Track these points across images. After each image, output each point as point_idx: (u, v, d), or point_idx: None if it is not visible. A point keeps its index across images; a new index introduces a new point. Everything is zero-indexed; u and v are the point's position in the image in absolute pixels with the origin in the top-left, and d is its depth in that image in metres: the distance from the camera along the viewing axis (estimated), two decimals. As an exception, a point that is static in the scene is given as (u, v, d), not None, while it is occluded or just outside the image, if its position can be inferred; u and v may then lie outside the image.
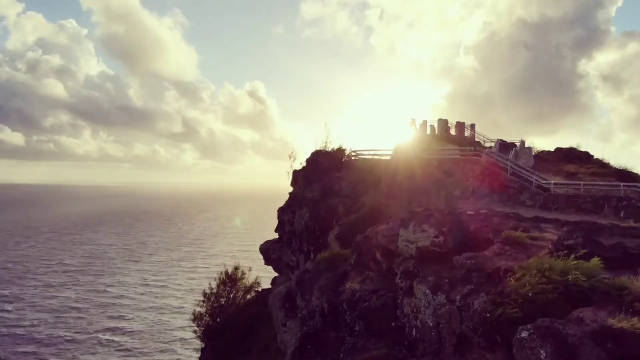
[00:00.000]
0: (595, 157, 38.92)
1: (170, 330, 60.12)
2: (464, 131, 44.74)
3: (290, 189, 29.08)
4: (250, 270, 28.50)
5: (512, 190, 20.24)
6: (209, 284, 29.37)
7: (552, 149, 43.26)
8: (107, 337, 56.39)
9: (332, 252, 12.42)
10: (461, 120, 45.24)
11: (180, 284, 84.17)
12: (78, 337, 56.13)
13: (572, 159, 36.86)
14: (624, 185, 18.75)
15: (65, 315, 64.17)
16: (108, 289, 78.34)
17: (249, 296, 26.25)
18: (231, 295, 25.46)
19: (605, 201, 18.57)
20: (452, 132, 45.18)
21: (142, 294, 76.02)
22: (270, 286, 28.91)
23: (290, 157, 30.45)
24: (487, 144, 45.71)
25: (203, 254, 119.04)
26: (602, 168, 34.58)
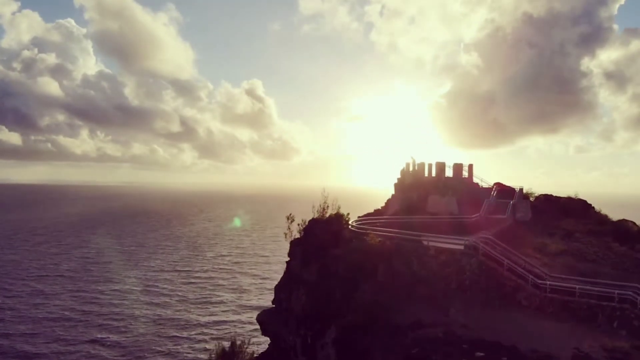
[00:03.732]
0: (593, 207, 39.15)
1: (162, 339, 58.82)
2: (461, 173, 44.86)
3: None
4: (249, 341, 28.59)
5: (509, 289, 20.36)
6: (210, 355, 29.48)
7: (552, 193, 43.50)
8: (96, 348, 55.53)
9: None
10: (458, 162, 45.37)
11: (173, 290, 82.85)
12: (66, 348, 55.23)
13: (570, 211, 37.02)
14: (618, 293, 18.84)
15: (54, 324, 63.31)
16: (101, 296, 77.50)
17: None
18: (229, 368, 25.69)
19: (600, 309, 18.73)
20: (449, 173, 45.29)
21: (135, 302, 75.11)
22: (268, 345, 29.10)
23: (288, 219, 30.49)
24: (484, 184, 45.82)
25: (201, 257, 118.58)
26: (599, 225, 34.74)
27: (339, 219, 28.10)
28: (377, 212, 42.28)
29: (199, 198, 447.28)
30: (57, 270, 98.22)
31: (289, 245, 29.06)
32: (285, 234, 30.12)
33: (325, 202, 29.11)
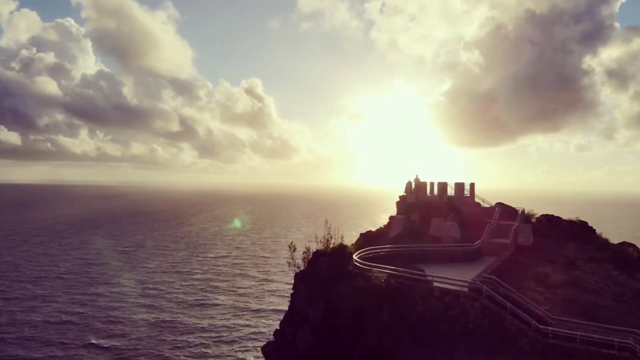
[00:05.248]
0: (594, 230, 39.48)
1: (159, 343, 58.35)
2: (463, 192, 45.23)
3: None
4: None
5: (512, 333, 20.65)
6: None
7: (555, 214, 43.88)
8: (92, 352, 55.29)
9: None
10: (460, 181, 45.72)
11: (172, 293, 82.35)
12: (63, 353, 54.95)
13: (572, 236, 37.35)
14: (617, 341, 19.15)
15: (50, 328, 62.99)
16: (99, 299, 76.98)
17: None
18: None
19: (600, 358, 19.03)
20: (451, 192, 45.60)
21: (133, 304, 74.50)
22: None
23: (290, 247, 30.70)
24: (485, 205, 46.13)
25: (200, 258, 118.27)
26: (600, 251, 35.12)
27: (342, 250, 28.30)
28: (379, 232, 42.41)
29: (198, 198, 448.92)
30: (55, 272, 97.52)
31: (293, 275, 29.27)
32: (289, 263, 30.31)
33: (328, 233, 29.32)
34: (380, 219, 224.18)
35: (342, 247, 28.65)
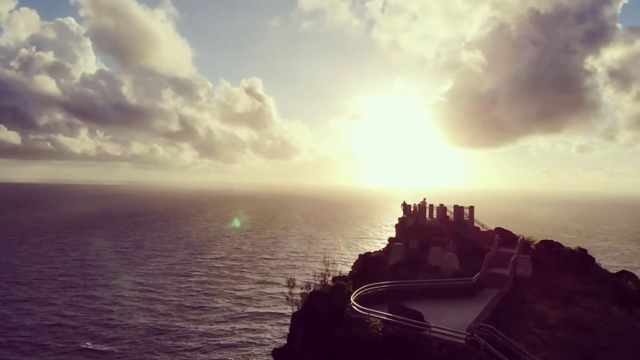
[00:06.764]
0: (593, 260, 39.41)
1: (156, 348, 58.11)
2: (462, 215, 45.09)
3: None
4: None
5: (509, 390, 20.63)
6: None
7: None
8: (87, 355, 55.09)
9: None
10: (459, 204, 45.61)
11: (169, 295, 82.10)
12: (56, 357, 54.71)
13: (570, 266, 37.26)
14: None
15: (45, 331, 62.81)
16: (95, 302, 76.84)
17: None
18: None
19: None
20: (450, 215, 45.48)
21: (130, 307, 74.15)
22: None
23: (289, 283, 30.67)
24: (484, 229, 46.05)
25: (199, 259, 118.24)
26: (599, 284, 35.01)
27: (340, 290, 28.21)
28: (378, 257, 42.40)
29: (198, 198, 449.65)
30: (52, 273, 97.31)
31: (290, 310, 29.20)
32: (287, 298, 30.30)
33: (327, 270, 29.28)
34: (379, 220, 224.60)
35: (340, 287, 28.54)
